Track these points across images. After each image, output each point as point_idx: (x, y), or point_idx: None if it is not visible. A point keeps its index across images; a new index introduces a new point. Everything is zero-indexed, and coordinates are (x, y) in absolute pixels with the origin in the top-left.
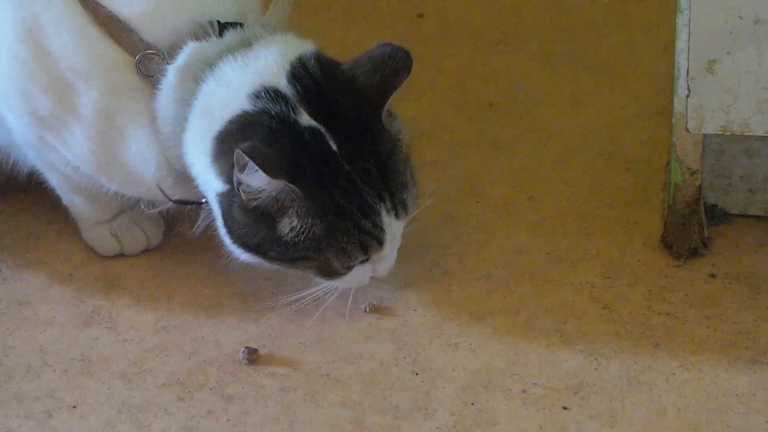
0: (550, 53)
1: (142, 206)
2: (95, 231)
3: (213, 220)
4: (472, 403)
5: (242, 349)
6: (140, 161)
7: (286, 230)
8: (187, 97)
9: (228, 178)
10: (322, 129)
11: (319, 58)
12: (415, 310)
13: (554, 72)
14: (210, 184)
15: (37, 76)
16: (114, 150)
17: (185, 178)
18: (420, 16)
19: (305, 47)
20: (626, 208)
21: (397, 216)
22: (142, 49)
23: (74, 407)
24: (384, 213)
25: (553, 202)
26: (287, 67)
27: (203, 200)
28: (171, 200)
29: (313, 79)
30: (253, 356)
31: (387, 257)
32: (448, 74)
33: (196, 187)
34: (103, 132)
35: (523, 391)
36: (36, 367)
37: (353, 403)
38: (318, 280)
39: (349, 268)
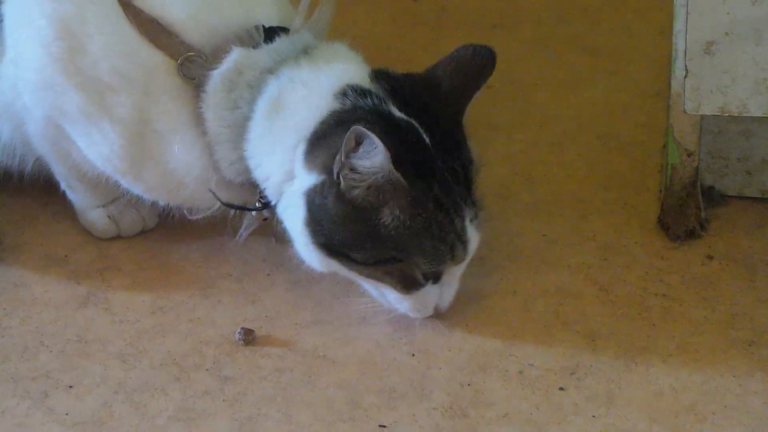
0: (547, 36)
1: (185, 213)
2: (92, 214)
3: (280, 226)
4: (469, 384)
5: (239, 330)
6: (183, 163)
7: (387, 220)
8: (241, 105)
9: (324, 168)
10: (415, 122)
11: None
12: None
13: (551, 55)
14: (294, 183)
15: (71, 73)
16: (150, 152)
17: (230, 182)
18: (416, 0)
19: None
20: (623, 190)
21: (476, 228)
22: (183, 51)
23: (71, 387)
24: (468, 219)
25: (549, 185)
26: (368, 70)
27: (256, 206)
28: (222, 202)
29: (395, 80)
30: (249, 337)
31: (453, 280)
32: None
33: (244, 191)
34: (139, 133)
35: (520, 372)
36: (32, 348)
37: (349, 384)
38: (389, 295)
39: (429, 277)
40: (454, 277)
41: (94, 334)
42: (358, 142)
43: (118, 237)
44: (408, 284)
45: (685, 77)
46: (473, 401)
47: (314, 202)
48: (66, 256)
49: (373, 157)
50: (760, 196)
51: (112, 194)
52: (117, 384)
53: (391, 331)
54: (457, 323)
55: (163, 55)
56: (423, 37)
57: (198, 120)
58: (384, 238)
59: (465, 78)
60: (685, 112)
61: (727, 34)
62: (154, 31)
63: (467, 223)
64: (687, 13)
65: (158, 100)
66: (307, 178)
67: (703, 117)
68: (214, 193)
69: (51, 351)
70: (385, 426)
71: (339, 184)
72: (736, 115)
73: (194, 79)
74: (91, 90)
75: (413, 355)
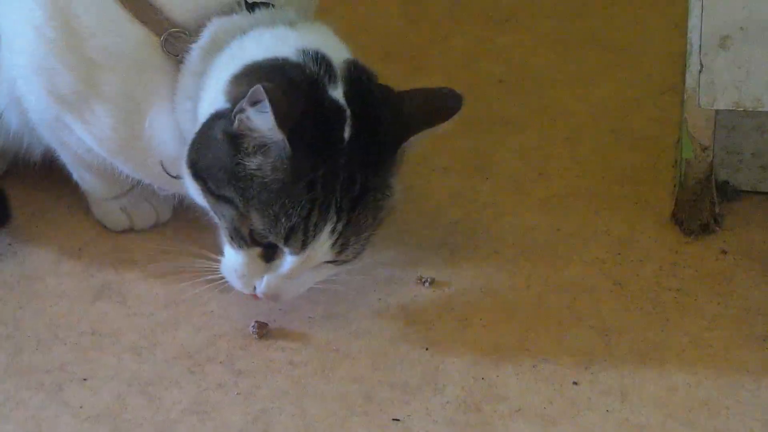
0: (560, 31)
1: (156, 189)
2: (105, 206)
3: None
4: (483, 378)
5: (252, 324)
6: (159, 138)
7: (252, 167)
8: (206, 68)
9: (234, 101)
10: (348, 113)
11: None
12: (424, 285)
13: (564, 49)
14: (212, 102)
15: (64, 54)
16: (134, 128)
17: None
18: None
19: None
20: (636, 185)
21: (332, 245)
22: (168, 27)
23: (85, 380)
24: (328, 229)
25: (562, 179)
26: (345, 55)
27: None
28: (171, 175)
29: (368, 76)
30: (263, 330)
31: (284, 272)
32: (458, 52)
33: None
34: (125, 110)
35: (534, 367)
36: (46, 341)
37: (363, 377)
38: (223, 238)
39: (256, 241)
40: (284, 269)
41: (108, 326)
42: (255, 101)
43: (132, 230)
44: (234, 236)
45: (700, 72)
46: (487, 395)
47: (208, 121)
48: (80, 249)
49: (262, 120)
50: None
51: (123, 186)
52: (131, 377)
53: (405, 325)
54: (471, 318)
55: (148, 31)
56: (435, 32)
57: (173, 94)
58: (238, 177)
59: (425, 111)
60: (699, 106)
61: (742, 29)
62: (138, 7)
63: (326, 227)
64: (702, 8)
65: (142, 76)
66: (218, 101)
67: (717, 112)
68: (163, 166)
69: (65, 344)
70: (398, 420)
71: (233, 121)
72: (750, 110)
73: (177, 55)
74: (82, 69)
75: (427, 349)
